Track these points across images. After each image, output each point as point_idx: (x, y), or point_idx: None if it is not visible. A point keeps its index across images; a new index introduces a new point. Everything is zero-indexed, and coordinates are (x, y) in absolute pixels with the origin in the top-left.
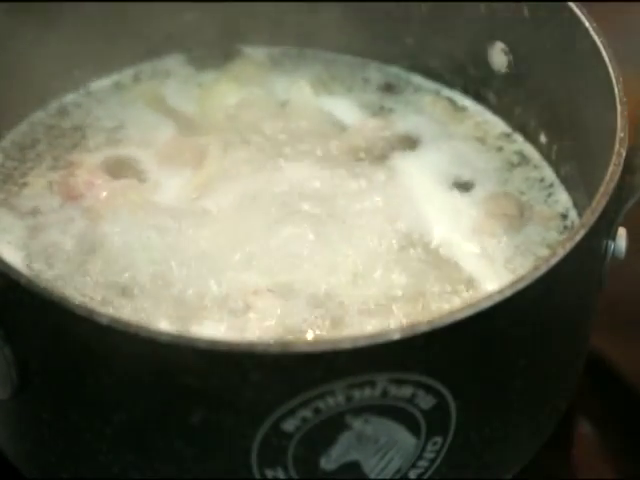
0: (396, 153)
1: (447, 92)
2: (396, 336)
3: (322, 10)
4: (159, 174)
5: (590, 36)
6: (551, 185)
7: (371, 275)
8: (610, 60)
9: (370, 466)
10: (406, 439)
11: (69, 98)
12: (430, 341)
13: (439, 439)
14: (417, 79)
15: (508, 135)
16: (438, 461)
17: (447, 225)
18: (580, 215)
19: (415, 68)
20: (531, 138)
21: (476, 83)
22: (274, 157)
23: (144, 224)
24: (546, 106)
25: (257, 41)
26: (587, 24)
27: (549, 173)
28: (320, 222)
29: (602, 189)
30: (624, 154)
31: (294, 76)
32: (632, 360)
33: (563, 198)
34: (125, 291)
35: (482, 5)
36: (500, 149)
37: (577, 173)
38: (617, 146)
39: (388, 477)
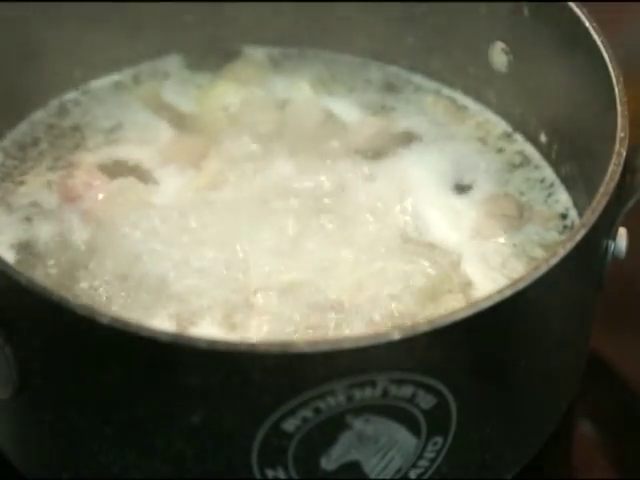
0: (396, 153)
1: (448, 92)
2: (396, 336)
3: (322, 10)
4: (158, 174)
5: (590, 36)
6: (551, 185)
7: (371, 275)
8: (610, 60)
9: (370, 466)
10: (406, 439)
11: (69, 97)
12: (430, 341)
13: (439, 439)
14: (418, 79)
15: (509, 135)
16: (438, 461)
17: (447, 225)
18: (580, 215)
19: (416, 68)
20: (531, 138)
21: (476, 83)
22: (274, 157)
23: (142, 225)
24: (546, 106)
25: (257, 41)
26: (587, 24)
27: (549, 173)
28: (320, 222)
29: (602, 189)
30: (624, 154)
31: (294, 76)
32: (632, 360)
33: (563, 198)
34: (124, 291)
35: (482, 5)
36: (501, 150)
37: (577, 173)
38: (617, 146)
39: (388, 477)
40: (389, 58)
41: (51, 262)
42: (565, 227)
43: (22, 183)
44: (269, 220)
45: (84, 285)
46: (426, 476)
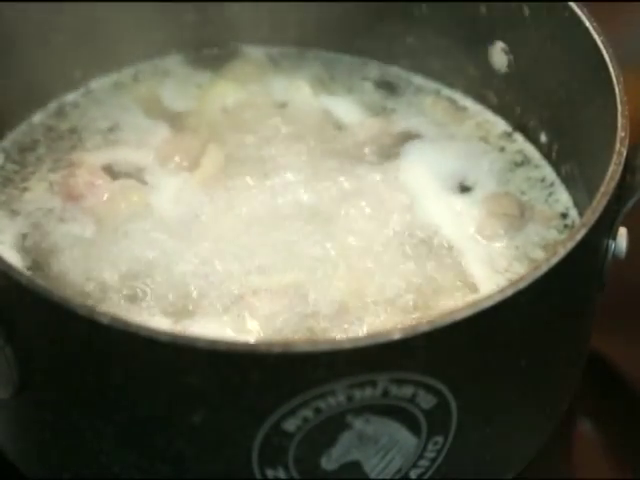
0: (396, 153)
1: (447, 92)
2: (397, 336)
3: (322, 10)
4: (158, 174)
5: (590, 36)
6: (552, 185)
7: (371, 275)
8: (610, 60)
9: (371, 466)
10: (407, 439)
11: (69, 98)
12: (431, 341)
13: (440, 439)
14: (417, 79)
15: (509, 135)
16: (439, 461)
17: (448, 225)
18: (580, 215)
19: (415, 68)
20: (531, 138)
21: (476, 83)
22: (273, 157)
23: (143, 224)
24: (546, 106)
25: (256, 41)
26: (587, 24)
27: (549, 173)
28: (320, 222)
29: (603, 188)
30: (625, 153)
31: (293, 76)
32: (632, 360)
33: (563, 198)
34: (125, 291)
35: (482, 5)
36: (501, 149)
37: (578, 173)
38: (618, 145)
39: (389, 477)
40: (389, 58)
41: (52, 262)
42: (566, 226)
43: (26, 189)
44: (268, 220)
45: (86, 285)
46: (426, 476)
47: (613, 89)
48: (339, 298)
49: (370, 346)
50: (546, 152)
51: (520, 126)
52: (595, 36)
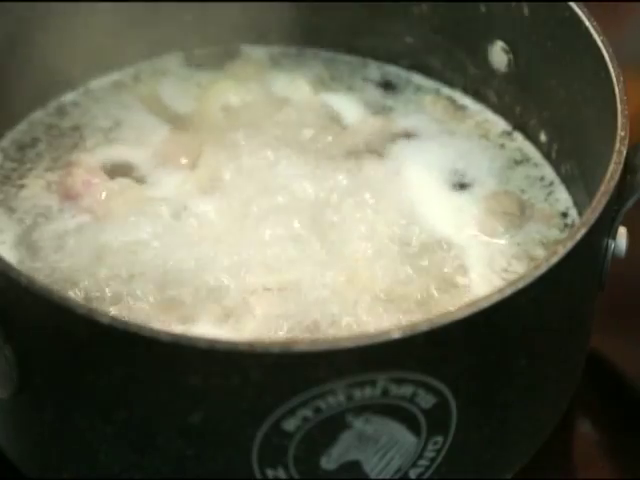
0: (396, 152)
1: (447, 91)
2: (396, 335)
3: (322, 9)
4: (157, 173)
5: (590, 35)
6: (551, 184)
7: (371, 273)
8: (610, 60)
9: (371, 465)
10: (406, 438)
11: (68, 97)
12: (430, 340)
13: (439, 438)
14: (417, 78)
15: (508, 134)
16: (438, 460)
17: (448, 223)
18: (580, 214)
19: (415, 67)
20: (531, 137)
21: (476, 82)
22: (273, 156)
23: (142, 223)
24: (546, 105)
25: (256, 40)
26: (587, 23)
27: (549, 172)
28: (319, 221)
29: (603, 188)
30: (625, 153)
31: (293, 75)
32: (632, 360)
33: (563, 197)
34: (123, 290)
35: (482, 5)
36: (501, 148)
37: (577, 172)
38: (618, 145)
39: (388, 477)
40: (388, 57)
41: (52, 261)
42: (566, 225)
43: (22, 187)
44: (268, 219)
45: (85, 284)
46: (426, 476)
47: (613, 89)
48: (338, 297)
49: (370, 345)
50: (546, 151)
51: (520, 125)
52: (595, 36)
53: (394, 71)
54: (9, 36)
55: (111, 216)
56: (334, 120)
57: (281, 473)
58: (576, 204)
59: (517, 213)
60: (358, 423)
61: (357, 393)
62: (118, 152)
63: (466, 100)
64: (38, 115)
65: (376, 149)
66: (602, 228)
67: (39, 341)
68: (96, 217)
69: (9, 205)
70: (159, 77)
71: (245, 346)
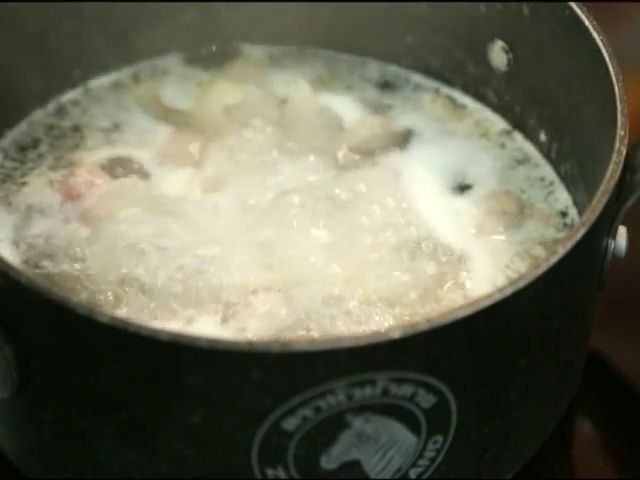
0: (396, 151)
1: (447, 90)
2: (396, 335)
3: (322, 9)
4: (158, 173)
5: (590, 35)
6: (551, 183)
7: (371, 273)
8: (610, 59)
9: (371, 465)
10: (407, 438)
11: (68, 97)
12: (430, 340)
13: (440, 438)
14: (417, 77)
15: (508, 133)
16: (438, 460)
17: (448, 223)
18: (580, 213)
19: (415, 66)
20: (531, 136)
21: (476, 81)
22: (273, 156)
23: (143, 223)
24: (546, 104)
25: (256, 40)
26: (587, 23)
27: (549, 171)
28: (319, 221)
29: (602, 187)
30: (624, 152)
31: (293, 75)
32: (632, 360)
33: (563, 196)
34: (123, 290)
35: (482, 4)
36: (501, 148)
37: (577, 171)
38: (617, 144)
39: (388, 476)
40: (388, 57)
41: (52, 261)
42: (565, 225)
43: (24, 184)
44: (268, 218)
45: (85, 284)
46: (426, 475)
47: (613, 88)
48: (338, 297)
49: (370, 345)
50: (546, 151)
51: (519, 125)
52: (595, 36)
53: (394, 70)
54: (8, 35)
55: (112, 216)
56: (334, 120)
57: (281, 473)
58: (576, 204)
59: (516, 213)
60: (358, 423)
61: (357, 393)
62: (120, 152)
63: (465, 99)
64: (38, 115)
65: (376, 149)
66: (602, 228)
67: (39, 341)
68: (98, 217)
69: (9, 201)
70: (159, 77)
71: (245, 346)
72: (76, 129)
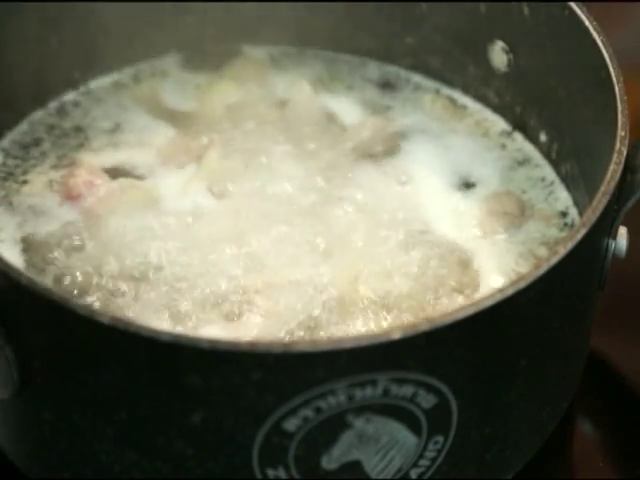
0: (396, 151)
1: (447, 91)
2: (397, 335)
3: (322, 9)
4: (158, 173)
5: (590, 36)
6: (551, 184)
7: (372, 274)
8: (610, 59)
9: (371, 465)
10: (407, 438)
11: (68, 97)
12: (431, 340)
13: (440, 438)
14: (417, 78)
15: (508, 134)
16: (439, 460)
17: (449, 223)
18: (580, 214)
19: (415, 67)
20: (531, 137)
21: (476, 82)
22: (273, 156)
23: (143, 223)
24: (546, 105)
25: (257, 40)
26: (587, 23)
27: (549, 172)
28: (321, 220)
29: (603, 188)
30: (625, 153)
31: (294, 75)
32: (632, 360)
33: (563, 197)
34: (123, 291)
35: (482, 5)
36: (501, 148)
37: (577, 172)
38: (618, 144)
39: (389, 477)
40: (388, 57)
41: (52, 262)
42: (565, 225)
43: (25, 182)
44: (269, 218)
45: (86, 284)
46: (427, 475)
47: (613, 89)
48: (339, 297)
49: (370, 345)
50: (546, 151)
51: (520, 125)
52: (595, 36)
53: (394, 71)
54: (8, 35)
55: (113, 217)
56: (334, 120)
57: (282, 473)
58: (576, 204)
59: (517, 213)
60: (359, 423)
61: (358, 393)
62: (120, 153)
63: (466, 100)
64: (38, 115)
65: (376, 149)
66: (602, 228)
67: (39, 341)
68: (98, 218)
69: (10, 200)
70: (159, 77)
71: (246, 346)
72: (77, 129)
